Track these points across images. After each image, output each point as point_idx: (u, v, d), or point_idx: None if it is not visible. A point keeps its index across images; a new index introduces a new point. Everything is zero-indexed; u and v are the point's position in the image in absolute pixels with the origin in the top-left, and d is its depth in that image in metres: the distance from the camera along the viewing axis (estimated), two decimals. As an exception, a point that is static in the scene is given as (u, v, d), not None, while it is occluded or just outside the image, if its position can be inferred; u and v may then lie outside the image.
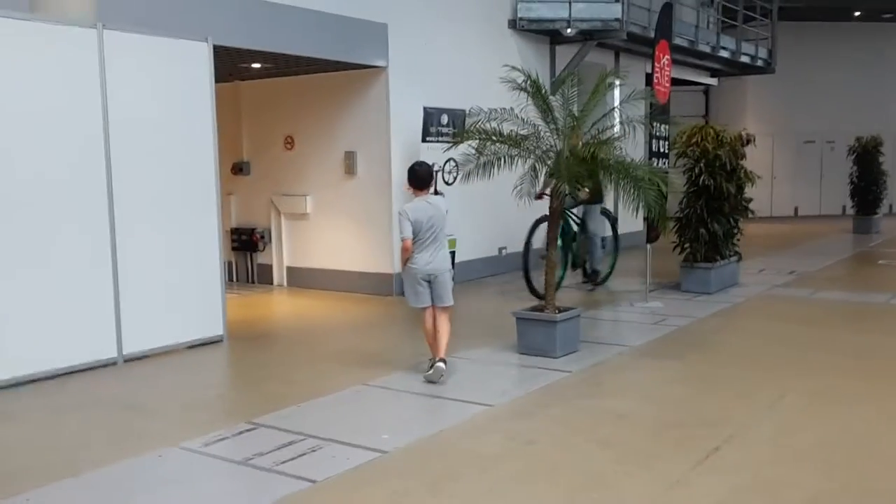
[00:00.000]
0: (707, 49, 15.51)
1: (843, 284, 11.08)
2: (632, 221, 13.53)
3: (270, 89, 11.06)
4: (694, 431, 5.14)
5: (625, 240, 14.96)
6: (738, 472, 4.49)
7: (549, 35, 12.55)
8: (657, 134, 9.44)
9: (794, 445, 4.92)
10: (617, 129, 7.56)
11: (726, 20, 17.18)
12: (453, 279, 6.86)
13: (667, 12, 10.01)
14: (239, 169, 11.35)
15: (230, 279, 11.31)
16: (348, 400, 5.90)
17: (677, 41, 13.96)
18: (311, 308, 9.78)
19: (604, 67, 13.02)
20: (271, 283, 11.28)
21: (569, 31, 11.99)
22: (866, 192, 17.37)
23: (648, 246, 9.63)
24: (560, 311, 7.02)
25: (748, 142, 10.45)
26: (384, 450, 4.86)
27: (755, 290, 10.37)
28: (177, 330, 7.40)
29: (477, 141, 7.22)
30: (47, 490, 4.37)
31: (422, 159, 7.59)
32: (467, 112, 8.32)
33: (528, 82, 7.11)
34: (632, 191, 6.91)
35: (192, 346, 7.51)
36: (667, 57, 9.65)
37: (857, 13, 21.23)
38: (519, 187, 7.32)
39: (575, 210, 10.07)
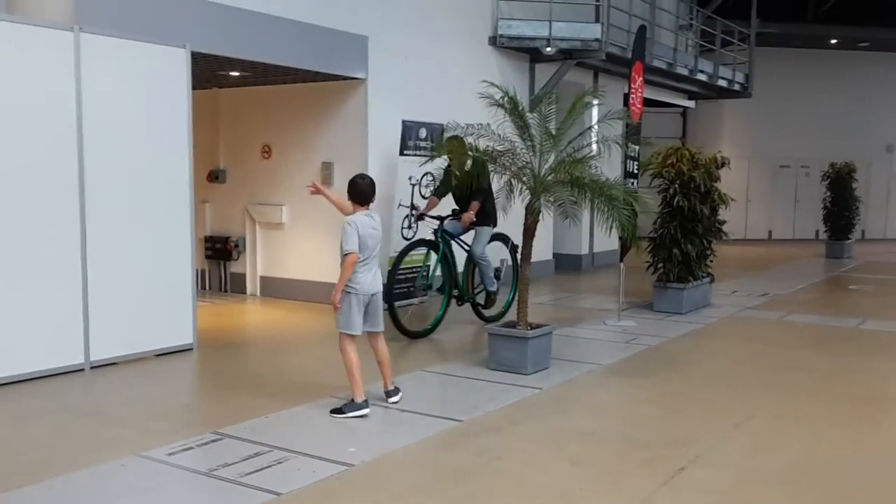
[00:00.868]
0: (685, 72, 15.68)
1: (814, 308, 11.18)
2: (606, 240, 13.63)
3: (249, 98, 11.02)
4: (661, 451, 5.14)
5: (599, 259, 15.13)
6: (705, 493, 4.51)
7: (529, 53, 12.63)
8: (630, 154, 9.51)
9: (761, 467, 4.94)
10: (594, 148, 7.60)
11: (704, 44, 17.40)
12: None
13: (642, 34, 10.13)
14: (215, 177, 11.27)
15: (203, 287, 11.22)
16: (316, 412, 5.85)
17: (655, 63, 14.13)
18: (283, 318, 9.72)
19: (582, 87, 13.13)
20: (244, 293, 11.20)
21: (548, 49, 12.06)
22: (839, 218, 17.58)
23: (622, 265, 9.67)
24: (532, 328, 7.02)
25: (723, 164, 10.55)
26: (351, 463, 4.83)
27: (727, 311, 10.43)
28: (146, 338, 7.32)
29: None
30: (6, 498, 4.30)
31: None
32: (445, 126, 8.34)
33: (506, 99, 7.14)
34: (606, 209, 6.95)
35: (162, 354, 7.43)
36: (641, 78, 9.75)
37: (833, 41, 21.57)
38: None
39: (464, 237, 8.85)
